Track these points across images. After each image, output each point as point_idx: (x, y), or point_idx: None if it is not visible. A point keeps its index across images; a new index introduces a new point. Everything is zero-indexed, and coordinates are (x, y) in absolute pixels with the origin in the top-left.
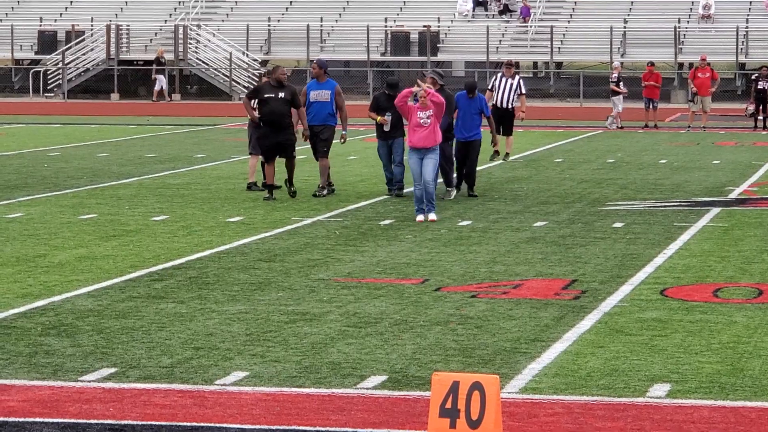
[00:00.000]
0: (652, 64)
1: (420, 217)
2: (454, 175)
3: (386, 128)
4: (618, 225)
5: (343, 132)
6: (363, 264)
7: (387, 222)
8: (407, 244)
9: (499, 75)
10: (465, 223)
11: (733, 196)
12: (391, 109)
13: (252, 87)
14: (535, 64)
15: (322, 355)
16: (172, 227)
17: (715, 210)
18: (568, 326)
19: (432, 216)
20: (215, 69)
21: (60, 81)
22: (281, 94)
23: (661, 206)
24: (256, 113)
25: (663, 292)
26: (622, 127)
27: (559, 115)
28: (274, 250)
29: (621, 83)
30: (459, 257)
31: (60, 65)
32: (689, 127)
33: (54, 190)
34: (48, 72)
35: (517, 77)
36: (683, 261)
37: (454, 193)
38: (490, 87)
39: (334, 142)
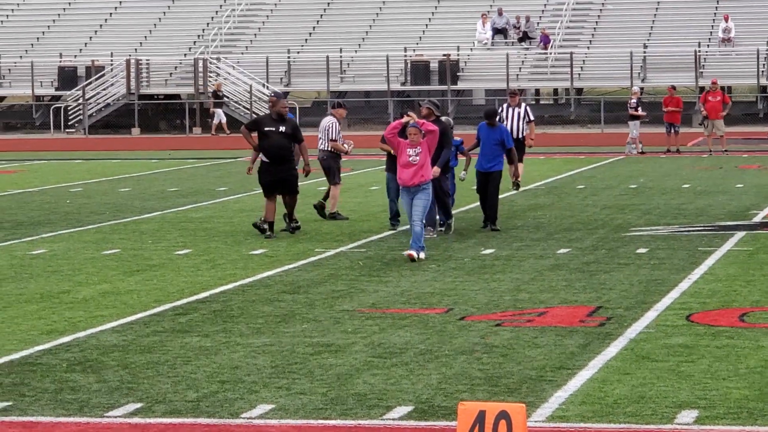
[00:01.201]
0: (673, 88)
1: (412, 252)
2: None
3: None
4: (642, 251)
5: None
6: (387, 294)
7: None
8: (431, 274)
9: (505, 105)
10: (488, 251)
11: (757, 219)
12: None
13: (252, 118)
14: (555, 90)
15: (347, 386)
16: (196, 261)
17: (740, 234)
18: (593, 353)
19: (412, 252)
20: (236, 102)
21: (81, 116)
22: (282, 128)
23: (685, 231)
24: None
25: (689, 317)
26: (643, 152)
27: (580, 142)
28: (298, 282)
29: (639, 108)
30: (483, 286)
31: (80, 101)
32: (710, 151)
33: (77, 225)
34: (69, 108)
35: (523, 105)
36: (708, 286)
37: (434, 234)
38: (497, 119)
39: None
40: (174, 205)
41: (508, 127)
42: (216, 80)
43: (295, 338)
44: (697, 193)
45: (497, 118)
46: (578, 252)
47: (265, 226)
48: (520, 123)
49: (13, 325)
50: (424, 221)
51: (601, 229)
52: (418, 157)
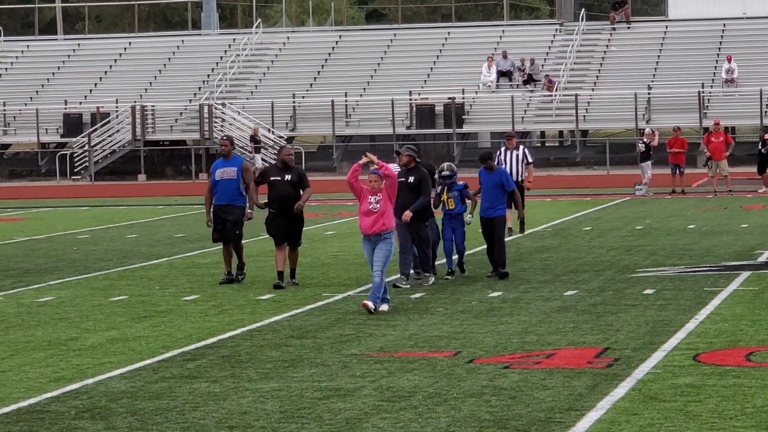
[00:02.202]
0: (678, 129)
1: (368, 303)
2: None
3: None
4: (649, 291)
5: (249, 210)
6: (395, 338)
7: (418, 295)
8: (438, 317)
9: (502, 149)
10: (495, 294)
11: (762, 259)
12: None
13: (259, 171)
14: (560, 132)
15: (356, 430)
16: (203, 306)
17: (745, 274)
18: (601, 394)
19: (384, 307)
20: (241, 147)
21: (87, 163)
22: (288, 177)
23: (691, 272)
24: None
25: (696, 357)
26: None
27: (586, 183)
28: (305, 327)
29: (651, 150)
30: (491, 328)
31: (86, 147)
32: (715, 191)
33: (84, 272)
34: (74, 155)
35: (521, 147)
36: (715, 326)
37: (431, 279)
38: (495, 162)
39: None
40: (181, 251)
41: (508, 171)
42: (254, 126)
43: (304, 383)
44: (703, 234)
45: (495, 162)
46: (585, 294)
47: (240, 277)
48: (519, 166)
49: (21, 372)
50: (384, 272)
51: (608, 271)
52: (378, 205)
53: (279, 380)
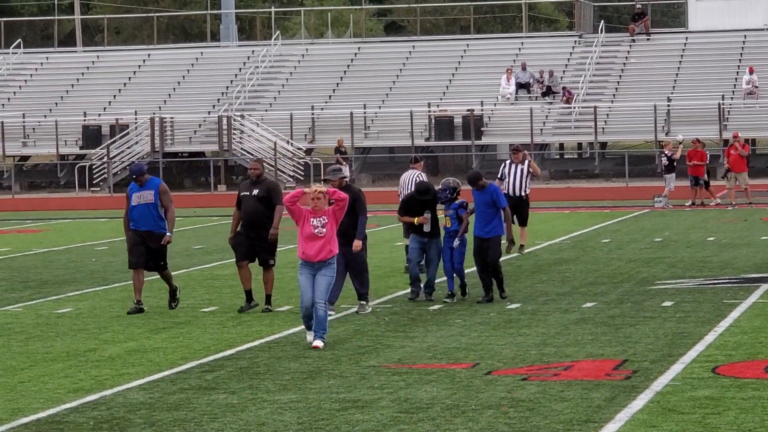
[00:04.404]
0: (698, 141)
1: (310, 337)
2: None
3: (426, 228)
4: (667, 304)
5: (168, 234)
6: (413, 349)
7: (436, 307)
8: (457, 329)
9: (507, 162)
10: (514, 306)
11: None
12: (426, 209)
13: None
14: (579, 145)
15: None
16: (222, 318)
17: (765, 286)
18: (620, 406)
19: (318, 342)
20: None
21: (105, 175)
22: (255, 191)
23: (710, 284)
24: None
25: (715, 369)
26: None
27: (605, 196)
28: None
29: (674, 162)
30: (509, 340)
31: (105, 159)
32: (732, 203)
33: (102, 284)
34: (93, 166)
35: (527, 161)
36: (734, 338)
37: (368, 308)
38: (499, 176)
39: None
40: (199, 262)
41: (511, 185)
42: (339, 137)
43: (322, 394)
44: (722, 246)
45: (500, 174)
46: (604, 306)
47: (173, 304)
48: (524, 180)
49: (40, 383)
50: (326, 302)
51: (627, 283)
52: (324, 229)
53: (297, 392)
